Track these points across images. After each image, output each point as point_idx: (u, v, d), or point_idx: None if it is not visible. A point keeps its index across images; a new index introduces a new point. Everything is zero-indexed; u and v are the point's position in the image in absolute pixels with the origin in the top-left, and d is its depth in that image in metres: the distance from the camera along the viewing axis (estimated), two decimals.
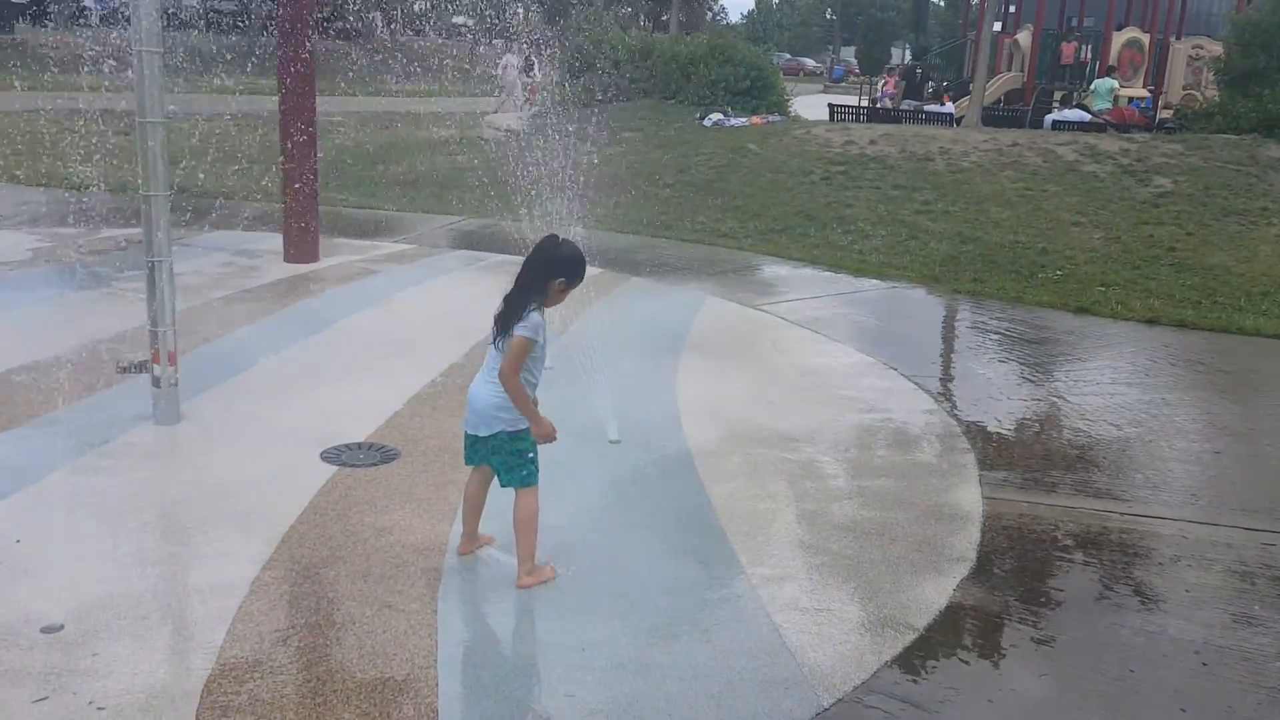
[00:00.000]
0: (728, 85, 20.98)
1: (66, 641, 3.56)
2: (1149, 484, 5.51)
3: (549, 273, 3.91)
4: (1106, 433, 6.24)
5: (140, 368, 6.23)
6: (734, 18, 79.03)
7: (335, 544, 4.36)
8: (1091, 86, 23.32)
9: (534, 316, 3.87)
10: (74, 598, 3.83)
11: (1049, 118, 21.48)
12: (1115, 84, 23.30)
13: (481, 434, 4.01)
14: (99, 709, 3.21)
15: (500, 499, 4.61)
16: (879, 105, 25.80)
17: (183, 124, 13.08)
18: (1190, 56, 25.14)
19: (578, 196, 7.94)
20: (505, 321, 3.90)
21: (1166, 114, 22.77)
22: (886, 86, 29.91)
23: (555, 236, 4.03)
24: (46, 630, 3.61)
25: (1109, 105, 22.29)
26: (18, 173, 13.49)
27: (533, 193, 7.83)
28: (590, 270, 4.20)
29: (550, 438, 3.99)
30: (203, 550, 4.30)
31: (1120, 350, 8.16)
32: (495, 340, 3.95)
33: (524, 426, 3.97)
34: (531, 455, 4.03)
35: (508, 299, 3.94)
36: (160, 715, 3.19)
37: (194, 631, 3.70)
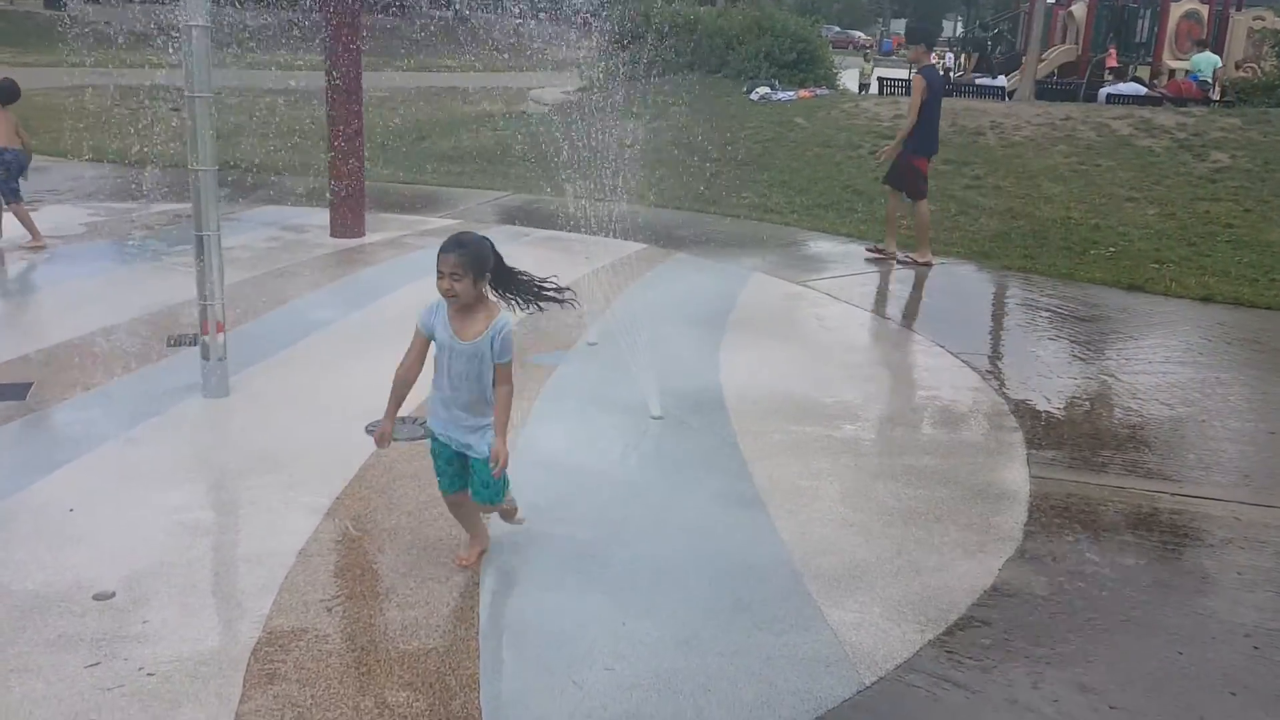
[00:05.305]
0: (772, 58, 20.72)
1: (117, 608, 3.63)
2: (1201, 464, 5.41)
3: None
4: (1158, 412, 6.13)
5: (190, 341, 6.32)
6: None
7: (379, 516, 4.41)
8: (1196, 63, 22.74)
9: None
10: (125, 566, 3.90)
11: (1103, 91, 21.02)
12: (1218, 61, 22.65)
13: None
14: (148, 674, 3.27)
15: (536, 476, 4.63)
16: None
17: (232, 99, 13.20)
18: (1250, 28, 24.46)
19: (622, 171, 7.91)
20: None
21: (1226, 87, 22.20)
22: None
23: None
24: (98, 597, 3.69)
25: (1210, 79, 21.72)
26: (70, 148, 13.70)
27: (578, 167, 7.81)
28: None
29: (381, 438, 3.92)
30: (250, 520, 4.37)
31: (1174, 328, 8.00)
32: None
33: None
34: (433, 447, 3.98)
35: None
36: (208, 682, 3.25)
37: (241, 600, 3.76)
